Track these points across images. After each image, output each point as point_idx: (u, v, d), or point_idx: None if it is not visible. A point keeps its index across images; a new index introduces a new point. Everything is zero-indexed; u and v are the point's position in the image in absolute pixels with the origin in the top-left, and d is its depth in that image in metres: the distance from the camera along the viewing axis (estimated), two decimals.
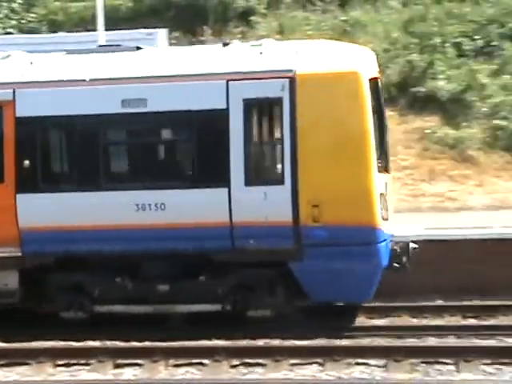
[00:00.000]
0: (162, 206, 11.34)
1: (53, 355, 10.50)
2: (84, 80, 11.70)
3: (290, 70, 11.26)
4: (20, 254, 11.76)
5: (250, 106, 11.38)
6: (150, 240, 11.30)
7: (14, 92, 11.81)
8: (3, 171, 11.80)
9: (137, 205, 11.40)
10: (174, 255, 11.41)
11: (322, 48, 12.06)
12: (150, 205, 11.37)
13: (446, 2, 22.72)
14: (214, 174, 11.42)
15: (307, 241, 11.24)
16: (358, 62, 11.58)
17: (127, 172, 12.19)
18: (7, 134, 11.76)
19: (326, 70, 11.29)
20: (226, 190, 11.31)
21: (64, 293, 11.87)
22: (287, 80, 11.19)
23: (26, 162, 11.67)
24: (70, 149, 12.05)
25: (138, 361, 10.26)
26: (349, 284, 11.24)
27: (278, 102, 11.30)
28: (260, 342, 10.87)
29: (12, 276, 11.79)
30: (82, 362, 10.43)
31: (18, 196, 11.70)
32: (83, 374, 10.14)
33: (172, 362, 10.17)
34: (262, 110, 11.72)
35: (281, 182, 11.29)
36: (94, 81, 11.63)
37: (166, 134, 12.08)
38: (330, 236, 11.10)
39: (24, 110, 11.78)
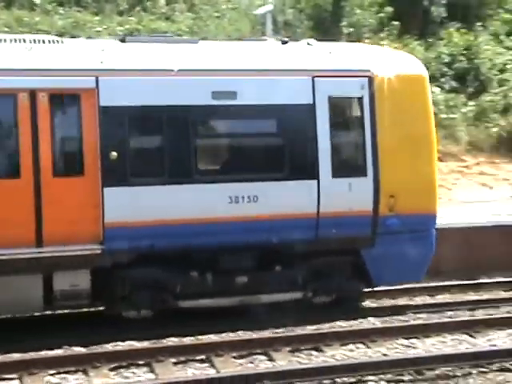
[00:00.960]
0: (255, 199, 11.43)
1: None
2: (172, 70, 11.32)
3: (368, 70, 12.12)
4: (99, 252, 10.93)
5: (334, 102, 11.95)
6: (240, 232, 11.32)
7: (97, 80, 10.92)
8: (78, 163, 10.90)
9: (230, 197, 11.37)
10: (259, 246, 11.60)
11: (386, 52, 13.79)
12: (243, 197, 11.41)
13: (16, 10, 23.38)
14: (304, 166, 11.77)
15: (381, 229, 12.05)
16: (420, 66, 12.89)
17: (220, 165, 11.91)
18: (90, 124, 10.85)
19: (398, 73, 12.31)
20: (316, 181, 11.74)
21: (144, 290, 11.40)
22: (366, 79, 12.02)
23: (114, 154, 10.86)
24: (156, 143, 11.48)
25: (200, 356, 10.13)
26: (410, 266, 12.32)
27: (360, 99, 12.03)
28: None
29: (84, 276, 11.00)
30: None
31: (105, 190, 10.84)
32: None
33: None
34: (344, 106, 12.30)
35: (364, 174, 11.98)
36: (182, 71, 11.36)
37: (259, 127, 12.10)
38: (401, 224, 12.03)
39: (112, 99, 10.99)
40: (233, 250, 11.43)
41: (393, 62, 12.62)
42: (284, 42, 12.96)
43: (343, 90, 11.99)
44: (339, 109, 12.17)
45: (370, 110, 12.04)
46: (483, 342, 10.79)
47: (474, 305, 13.06)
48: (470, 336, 11.05)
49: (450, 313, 12.54)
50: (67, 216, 10.69)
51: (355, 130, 12.26)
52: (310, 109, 11.79)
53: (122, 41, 12.03)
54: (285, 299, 11.92)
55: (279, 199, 11.57)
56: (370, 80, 12.03)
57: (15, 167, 10.61)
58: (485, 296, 13.76)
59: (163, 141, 11.30)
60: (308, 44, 12.97)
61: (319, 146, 11.78)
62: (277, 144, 11.91)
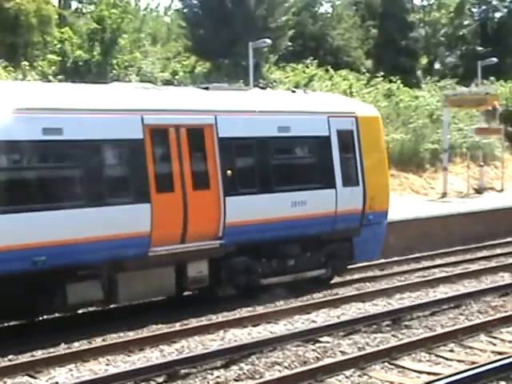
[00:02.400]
0: (305, 203, 15.70)
1: None
2: (255, 111, 15.49)
3: (354, 112, 17.15)
4: (218, 246, 14.52)
5: (339, 134, 16.56)
6: (296, 227, 15.53)
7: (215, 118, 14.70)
8: (209, 179, 14.48)
9: (292, 202, 15.56)
10: (301, 237, 15.87)
11: (353, 100, 21.68)
12: (299, 202, 15.63)
13: None
14: (328, 179, 16.31)
15: (365, 222, 16.85)
16: (374, 109, 19.01)
17: (287, 179, 15.84)
18: (211, 150, 14.54)
19: (366, 114, 17.56)
20: (334, 190, 16.34)
21: (241, 273, 15.07)
22: (354, 118, 16.95)
23: (229, 172, 14.60)
24: (251, 163, 15.50)
25: None
26: (374, 247, 17.27)
27: (352, 132, 16.83)
28: None
29: (204, 264, 14.43)
30: None
31: (227, 199, 14.49)
32: None
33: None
34: (345, 137, 16.76)
35: (358, 184, 16.73)
36: (261, 112, 15.61)
37: (303, 152, 17.01)
38: (374, 218, 16.97)
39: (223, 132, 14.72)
40: (286, 240, 15.55)
41: (360, 107, 18.40)
42: (293, 91, 18.52)
43: (344, 125, 16.77)
44: (342, 139, 16.68)
45: (357, 139, 16.90)
46: None
47: None
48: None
49: None
50: (201, 219, 14.21)
51: (351, 153, 16.87)
52: (328, 138, 16.41)
53: (206, 88, 16.05)
54: (318, 275, 16.45)
55: (316, 203, 15.93)
56: (356, 119, 17.00)
57: (170, 183, 13.94)
58: None
59: (255, 163, 15.42)
60: (305, 92, 18.58)
61: (335, 165, 16.43)
62: (314, 164, 16.46)
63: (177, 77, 33.40)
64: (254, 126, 15.28)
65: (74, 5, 44.57)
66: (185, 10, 41.25)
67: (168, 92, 16.06)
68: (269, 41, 29.76)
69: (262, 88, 18.25)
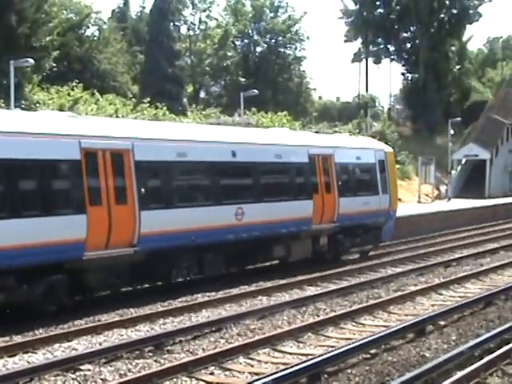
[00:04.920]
0: (368, 203, 25.29)
1: None
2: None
3: (383, 149, 27.47)
4: (334, 226, 23.58)
5: (379, 162, 26.16)
6: (363, 219, 25.03)
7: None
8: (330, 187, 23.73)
9: (364, 203, 25.07)
10: (363, 225, 25.10)
11: (375, 140, 30.82)
12: (366, 202, 25.22)
13: None
14: (375, 189, 25.83)
15: (388, 217, 26.47)
16: (389, 147, 29.80)
17: (364, 189, 25.44)
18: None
19: (386, 149, 27.53)
20: (378, 196, 25.91)
21: (344, 245, 24.53)
22: (384, 152, 26.98)
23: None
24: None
25: None
26: (390, 233, 27.13)
27: (384, 161, 26.55)
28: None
29: (326, 239, 23.58)
30: None
31: (340, 199, 23.66)
32: None
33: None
34: (381, 165, 26.28)
35: (386, 192, 26.40)
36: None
37: (364, 172, 26.01)
38: (391, 215, 26.80)
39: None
40: (358, 226, 24.82)
41: (385, 146, 28.91)
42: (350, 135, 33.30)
43: (380, 156, 26.42)
44: (380, 164, 26.19)
45: (386, 165, 26.60)
46: None
47: None
48: None
49: None
50: (328, 211, 23.24)
51: (384, 173, 26.34)
52: (374, 164, 25.99)
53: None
54: (368, 248, 26.19)
55: (372, 203, 25.47)
56: (385, 153, 27.01)
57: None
58: None
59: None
60: (351, 135, 33.24)
61: (378, 181, 25.98)
62: (370, 179, 25.86)
63: None
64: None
65: None
66: None
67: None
68: (31, 60, 28.82)
69: (316, 132, 28.82)
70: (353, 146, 25.65)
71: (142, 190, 16.87)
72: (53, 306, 15.53)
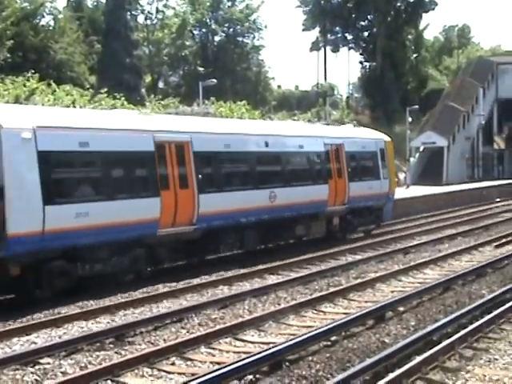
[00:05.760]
0: (370, 186, 28.37)
1: None
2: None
3: (382, 138, 30.19)
4: (345, 208, 26.94)
5: (380, 150, 29.26)
6: (368, 201, 28.15)
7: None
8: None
9: (368, 187, 28.23)
10: (367, 206, 28.20)
11: (375, 131, 32.11)
12: (370, 187, 28.40)
13: None
14: (377, 175, 29.00)
15: (388, 199, 29.80)
16: (386, 136, 31.21)
17: (365, 173, 28.48)
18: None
19: (385, 139, 30.32)
20: (379, 180, 29.00)
21: (353, 224, 27.96)
22: (384, 141, 29.95)
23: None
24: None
25: None
26: (389, 213, 30.64)
27: (384, 149, 29.61)
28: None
29: (337, 219, 26.91)
30: None
31: (350, 184, 27.20)
32: None
33: None
34: (382, 153, 29.44)
35: (386, 178, 29.51)
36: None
37: (367, 160, 29.03)
38: (391, 197, 30.14)
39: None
40: (364, 207, 27.98)
41: (384, 136, 30.90)
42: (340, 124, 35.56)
43: (381, 145, 29.45)
44: (381, 152, 29.27)
45: (385, 153, 29.66)
46: None
47: None
48: None
49: None
50: (340, 194, 26.55)
51: (384, 160, 29.34)
52: (376, 152, 29.03)
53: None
54: (372, 228, 29.53)
55: (375, 187, 28.49)
56: (384, 142, 29.98)
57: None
58: None
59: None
60: (354, 125, 33.90)
61: (379, 166, 28.95)
62: (372, 166, 28.89)
63: None
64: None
65: None
66: None
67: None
68: None
69: (327, 124, 32.15)
70: (359, 136, 28.86)
71: (200, 176, 19.87)
72: (133, 274, 18.50)
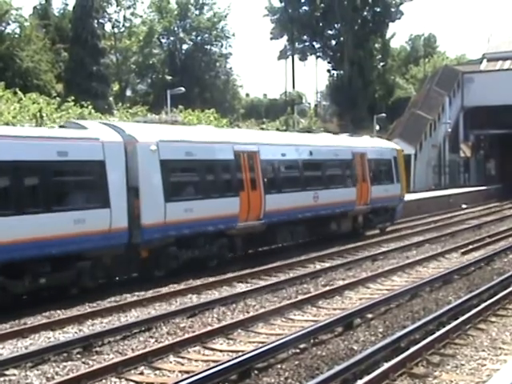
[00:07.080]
0: (386, 189, 32.25)
1: None
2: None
3: (395, 148, 34.89)
4: (365, 208, 30.94)
5: (394, 158, 33.56)
6: (384, 202, 32.34)
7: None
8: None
9: (384, 190, 32.23)
10: (384, 206, 32.35)
11: (385, 141, 38.82)
12: (385, 190, 32.22)
13: None
14: (391, 179, 32.96)
15: (400, 201, 34.23)
16: (396, 145, 36.65)
17: (383, 178, 32.69)
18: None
19: (396, 148, 35.00)
20: (393, 184, 33.06)
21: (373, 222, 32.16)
22: (396, 150, 34.33)
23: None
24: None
25: None
26: (401, 213, 35.16)
27: (396, 158, 33.81)
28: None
29: (361, 218, 31.10)
30: None
31: (372, 187, 31.22)
32: None
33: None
34: (394, 161, 33.50)
35: (398, 181, 33.67)
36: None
37: (382, 166, 32.95)
38: (402, 199, 34.62)
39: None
40: (380, 207, 31.86)
41: (396, 145, 35.91)
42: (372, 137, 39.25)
43: (394, 154, 33.73)
44: (394, 160, 33.36)
45: (398, 160, 33.78)
46: None
47: None
48: None
49: None
50: (364, 196, 30.61)
51: (396, 167, 33.31)
52: (390, 160, 33.17)
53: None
54: (385, 226, 33.28)
55: (390, 190, 32.49)
56: (397, 151, 34.30)
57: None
58: None
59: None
60: (371, 137, 38.19)
61: (393, 172, 33.09)
62: (387, 172, 32.94)
63: None
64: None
65: None
66: None
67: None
68: None
69: (350, 135, 34.55)
70: (377, 146, 33.55)
71: (265, 179, 24.05)
72: (217, 260, 22.34)
